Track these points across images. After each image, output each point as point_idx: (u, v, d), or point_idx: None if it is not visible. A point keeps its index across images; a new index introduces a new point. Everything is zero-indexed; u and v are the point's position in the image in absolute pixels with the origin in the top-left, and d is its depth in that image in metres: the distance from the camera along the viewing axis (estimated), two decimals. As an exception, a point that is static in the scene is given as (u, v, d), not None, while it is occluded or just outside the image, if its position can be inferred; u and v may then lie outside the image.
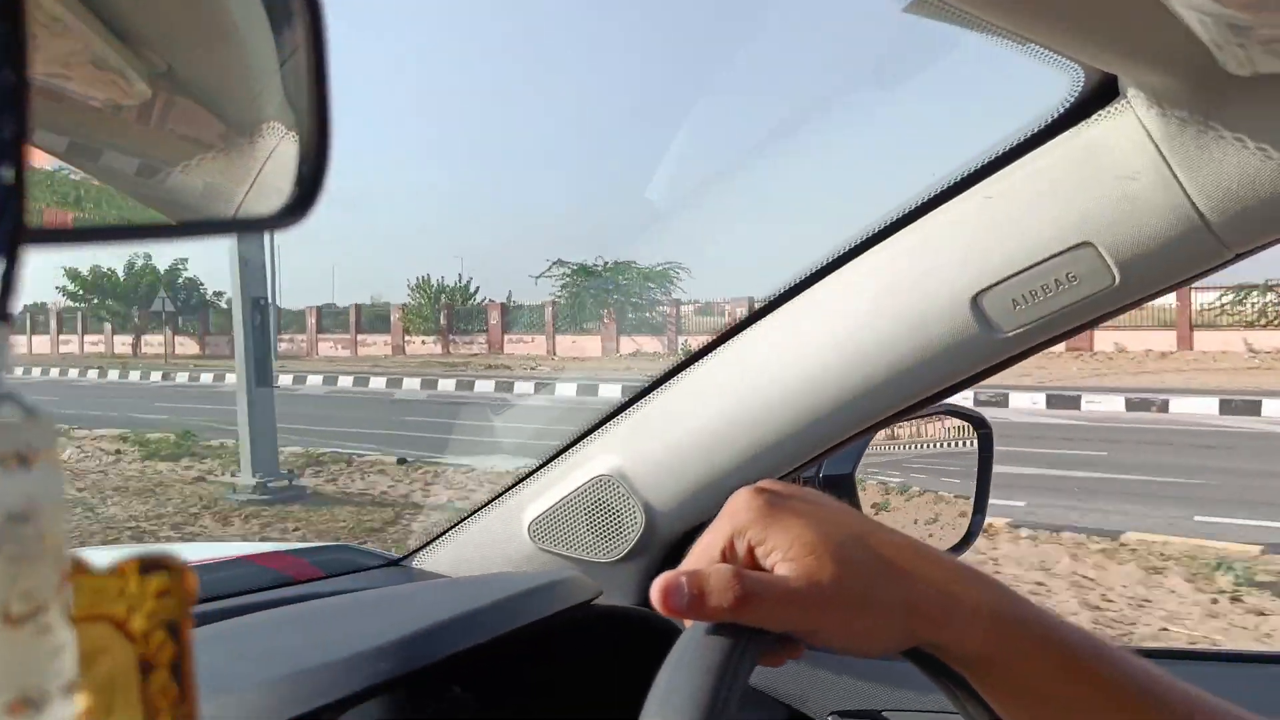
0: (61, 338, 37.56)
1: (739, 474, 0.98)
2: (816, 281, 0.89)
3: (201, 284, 34.69)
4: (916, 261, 0.83)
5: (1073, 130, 0.76)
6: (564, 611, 0.87)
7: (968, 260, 0.81)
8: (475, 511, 1.21)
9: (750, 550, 0.59)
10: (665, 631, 0.96)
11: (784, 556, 0.57)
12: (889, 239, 0.85)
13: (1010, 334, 0.81)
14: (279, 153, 0.39)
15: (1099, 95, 0.74)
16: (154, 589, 0.26)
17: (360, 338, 32.55)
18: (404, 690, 0.97)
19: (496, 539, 1.17)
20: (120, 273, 35.14)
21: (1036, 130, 0.78)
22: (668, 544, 1.07)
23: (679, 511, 1.02)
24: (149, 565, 0.26)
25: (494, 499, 1.19)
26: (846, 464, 1.20)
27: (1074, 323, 0.81)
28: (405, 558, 1.31)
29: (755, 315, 0.95)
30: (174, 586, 0.26)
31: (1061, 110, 0.76)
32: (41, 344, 36.87)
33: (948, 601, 0.56)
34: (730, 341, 0.96)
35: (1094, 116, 0.75)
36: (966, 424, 1.36)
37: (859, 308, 0.86)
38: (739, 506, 0.60)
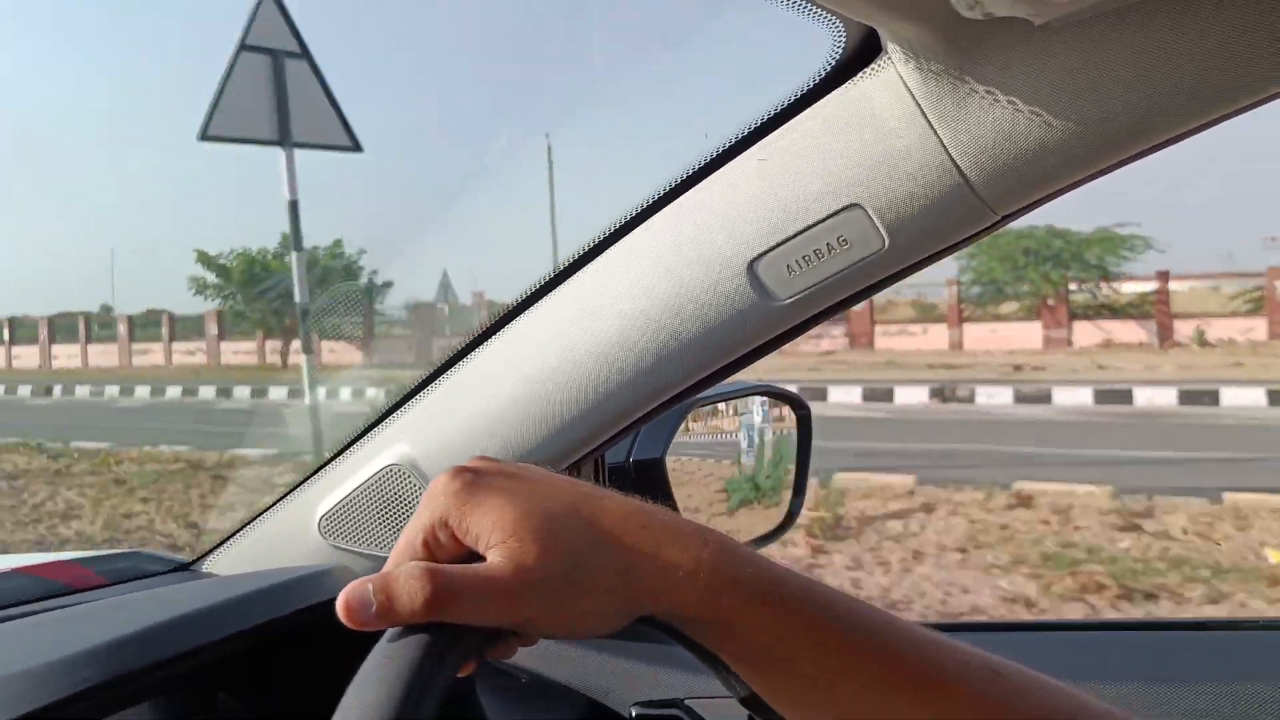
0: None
1: (531, 459, 0.93)
2: (597, 255, 0.85)
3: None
4: (693, 229, 0.80)
5: (840, 89, 0.74)
6: (326, 606, 0.81)
7: (743, 226, 0.78)
8: (266, 510, 1.13)
9: (454, 539, 0.54)
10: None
11: (488, 542, 0.52)
12: (666, 207, 0.81)
13: (788, 301, 0.78)
14: None
15: (862, 52, 0.72)
16: None
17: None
18: (166, 698, 0.89)
19: (287, 537, 1.09)
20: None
21: (805, 90, 0.75)
22: None
23: None
24: None
25: (284, 496, 1.11)
26: (657, 448, 1.17)
27: (850, 289, 0.79)
28: (195, 561, 1.23)
29: (538, 293, 0.91)
30: None
31: (827, 69, 0.74)
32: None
33: (665, 565, 0.52)
34: (514, 321, 0.92)
35: (858, 75, 0.73)
36: (786, 405, 1.35)
37: (639, 279, 0.82)
38: (437, 491, 0.55)
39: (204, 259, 28.10)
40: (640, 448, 1.15)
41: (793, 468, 1.32)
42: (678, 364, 0.83)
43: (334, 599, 0.83)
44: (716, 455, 1.32)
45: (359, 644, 0.94)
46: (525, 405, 0.91)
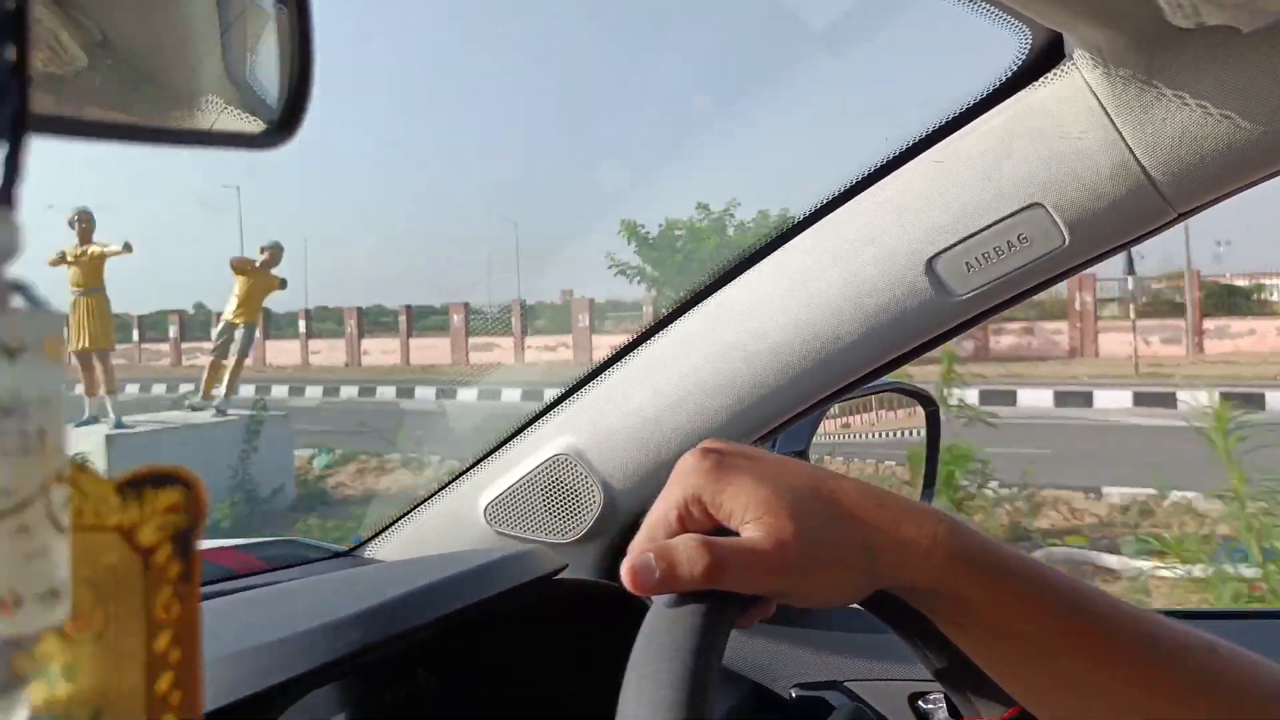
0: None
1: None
2: (770, 253, 0.90)
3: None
4: (869, 228, 0.84)
5: (1021, 93, 0.77)
6: (530, 587, 0.86)
7: (921, 225, 0.81)
8: (427, 499, 1.19)
9: (706, 513, 0.58)
10: (635, 604, 0.95)
11: (743, 518, 0.57)
12: (841, 207, 0.85)
13: (965, 297, 0.82)
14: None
15: (1046, 56, 0.76)
16: (164, 503, 0.25)
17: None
18: (365, 675, 0.95)
19: (450, 524, 1.15)
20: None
21: (986, 94, 0.79)
22: (628, 521, 1.06)
23: (639, 488, 1.02)
24: (160, 479, 0.25)
25: (446, 485, 1.17)
26: (800, 441, 1.21)
27: (1028, 284, 0.82)
28: (355, 549, 1.29)
29: (709, 289, 0.95)
30: (185, 501, 0.25)
31: (1010, 73, 0.77)
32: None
33: (903, 541, 0.56)
34: (685, 316, 0.96)
35: (1042, 79, 0.76)
36: (915, 403, 1.38)
37: (815, 275, 0.87)
38: (687, 470, 0.59)
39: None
40: (782, 444, 1.19)
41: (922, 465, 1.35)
42: (850, 358, 0.87)
43: (535, 583, 0.89)
44: (847, 454, 1.36)
45: (554, 627, 0.99)
46: (693, 403, 0.95)
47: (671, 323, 0.98)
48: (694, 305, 0.96)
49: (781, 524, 0.55)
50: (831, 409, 1.32)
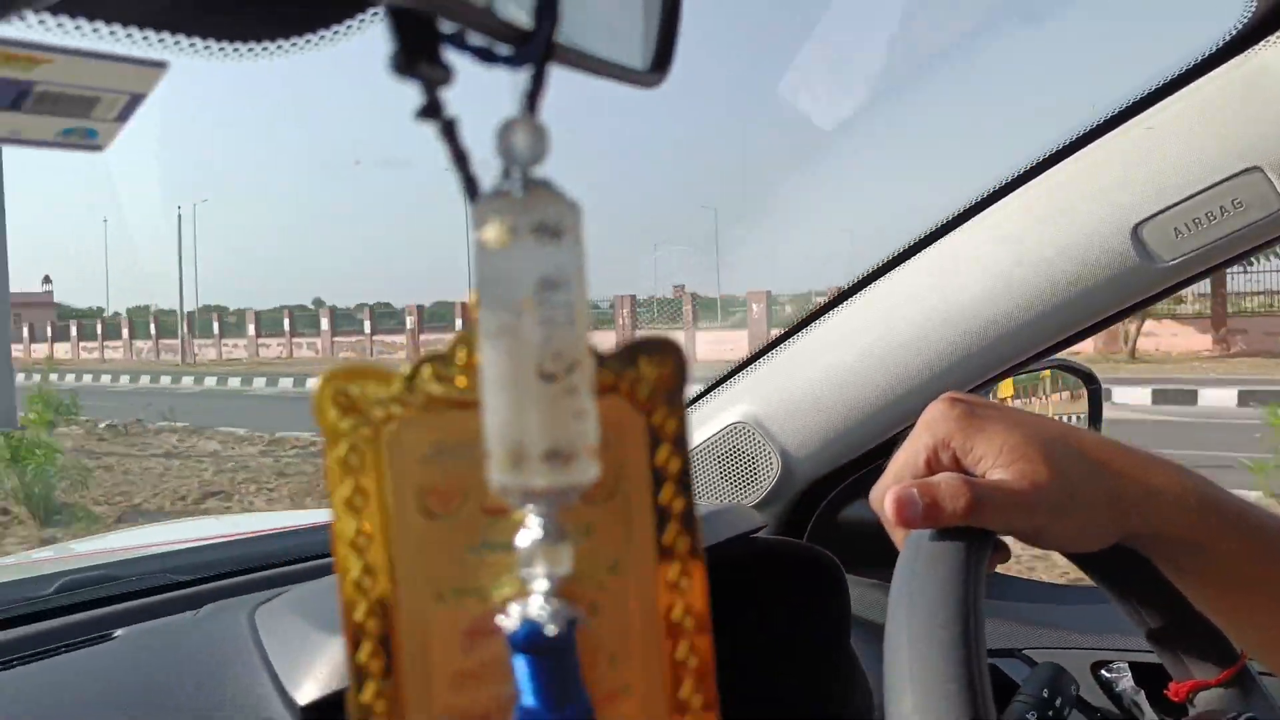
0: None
1: (879, 417, 0.99)
2: (969, 219, 0.91)
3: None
4: (1075, 193, 0.84)
5: (1240, 56, 0.77)
6: (734, 541, 0.89)
7: (1127, 190, 0.82)
8: None
9: (954, 459, 0.60)
10: (819, 564, 0.97)
11: (995, 462, 0.58)
12: (1046, 173, 0.86)
13: (1171, 263, 0.82)
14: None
15: (1269, 19, 0.75)
16: (655, 365, 0.28)
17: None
18: None
19: None
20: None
21: (1202, 58, 0.79)
22: (803, 488, 1.08)
23: (816, 455, 1.04)
24: (648, 345, 0.28)
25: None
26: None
27: (1237, 250, 0.81)
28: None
29: (896, 260, 0.97)
30: (674, 364, 0.28)
31: (1229, 36, 0.77)
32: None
33: (1153, 490, 0.58)
34: (870, 286, 0.98)
35: (1263, 41, 0.76)
36: (1078, 381, 1.37)
37: (1015, 242, 0.87)
38: (937, 417, 0.61)
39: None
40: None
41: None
42: (1047, 323, 0.88)
43: (737, 537, 0.91)
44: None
45: (744, 583, 1.02)
46: (878, 371, 0.97)
47: (855, 294, 1.00)
48: (880, 275, 0.97)
49: (1036, 468, 0.57)
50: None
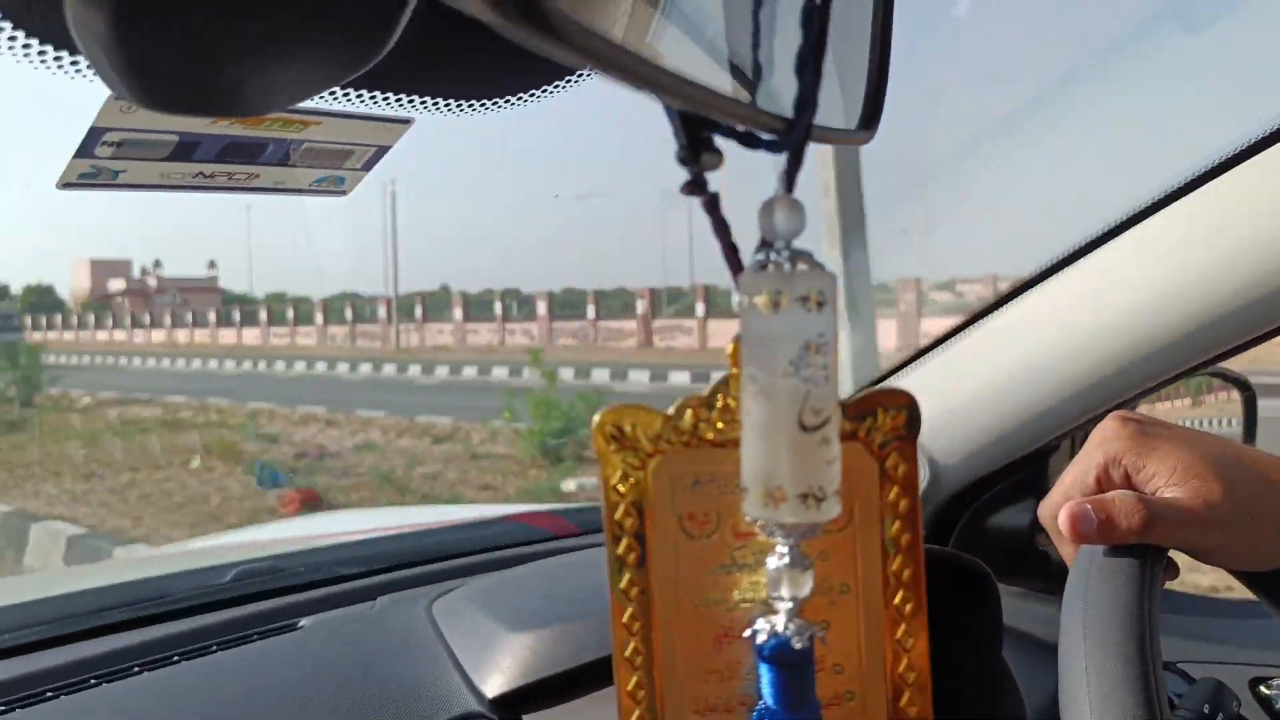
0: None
1: (1031, 426, 1.00)
2: (1137, 223, 0.90)
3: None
4: (1247, 202, 0.83)
5: None
6: None
7: None
8: None
9: (1125, 477, 0.62)
10: (971, 572, 0.99)
11: (1168, 481, 0.60)
12: (1221, 177, 0.84)
13: None
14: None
15: None
16: (891, 418, 0.32)
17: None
18: None
19: None
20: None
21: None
22: (950, 496, 1.09)
23: (964, 464, 1.05)
24: (884, 397, 0.32)
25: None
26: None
27: None
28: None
29: (1049, 270, 0.97)
30: (907, 416, 0.32)
31: None
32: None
33: None
34: (1022, 296, 0.98)
35: None
36: (1230, 388, 1.34)
37: (1186, 249, 0.86)
38: (1108, 435, 0.63)
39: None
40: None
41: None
42: (1215, 334, 0.87)
43: None
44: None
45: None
46: (1033, 373, 0.97)
47: (1006, 304, 1.00)
48: (1032, 286, 0.98)
49: (1209, 486, 0.58)
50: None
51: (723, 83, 0.31)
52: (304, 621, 0.96)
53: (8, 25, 0.34)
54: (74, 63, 0.36)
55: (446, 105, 0.46)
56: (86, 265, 53.68)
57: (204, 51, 0.31)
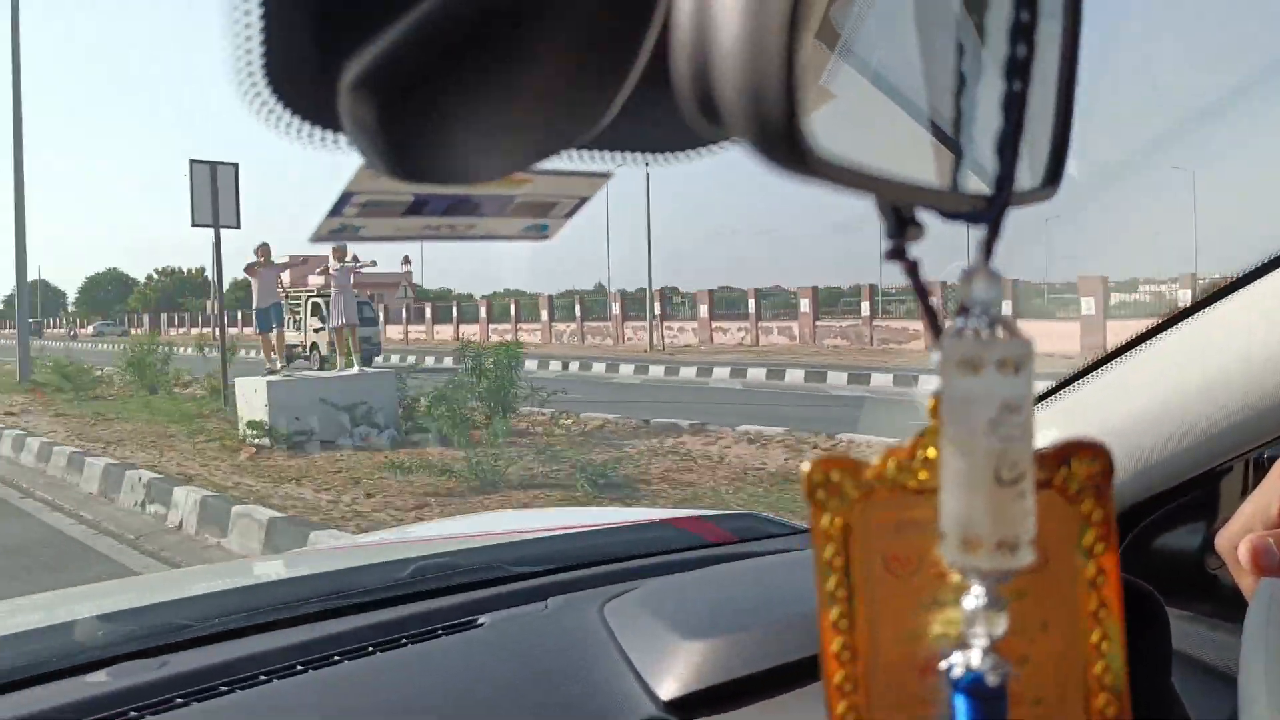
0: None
1: (1204, 448, 0.97)
2: None
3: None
4: None
5: None
6: None
7: None
8: None
9: None
10: (1139, 596, 0.97)
11: None
12: None
13: None
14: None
15: None
16: (1086, 466, 0.34)
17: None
18: None
19: None
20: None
21: None
22: (1117, 515, 1.07)
23: (1132, 483, 1.03)
24: (1079, 448, 0.34)
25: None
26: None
27: None
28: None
29: (1244, 278, 0.93)
30: (1101, 464, 0.34)
31: None
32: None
33: None
34: (1209, 306, 0.95)
35: None
36: None
37: None
38: None
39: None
40: None
41: None
42: None
43: None
44: None
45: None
46: (1212, 392, 0.94)
47: (1178, 323, 0.98)
48: (1226, 292, 0.94)
49: None
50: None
51: (926, 169, 0.33)
52: (483, 619, 1.03)
53: (280, 107, 0.40)
54: (335, 141, 0.42)
55: (645, 158, 0.50)
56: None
57: (451, 137, 0.36)
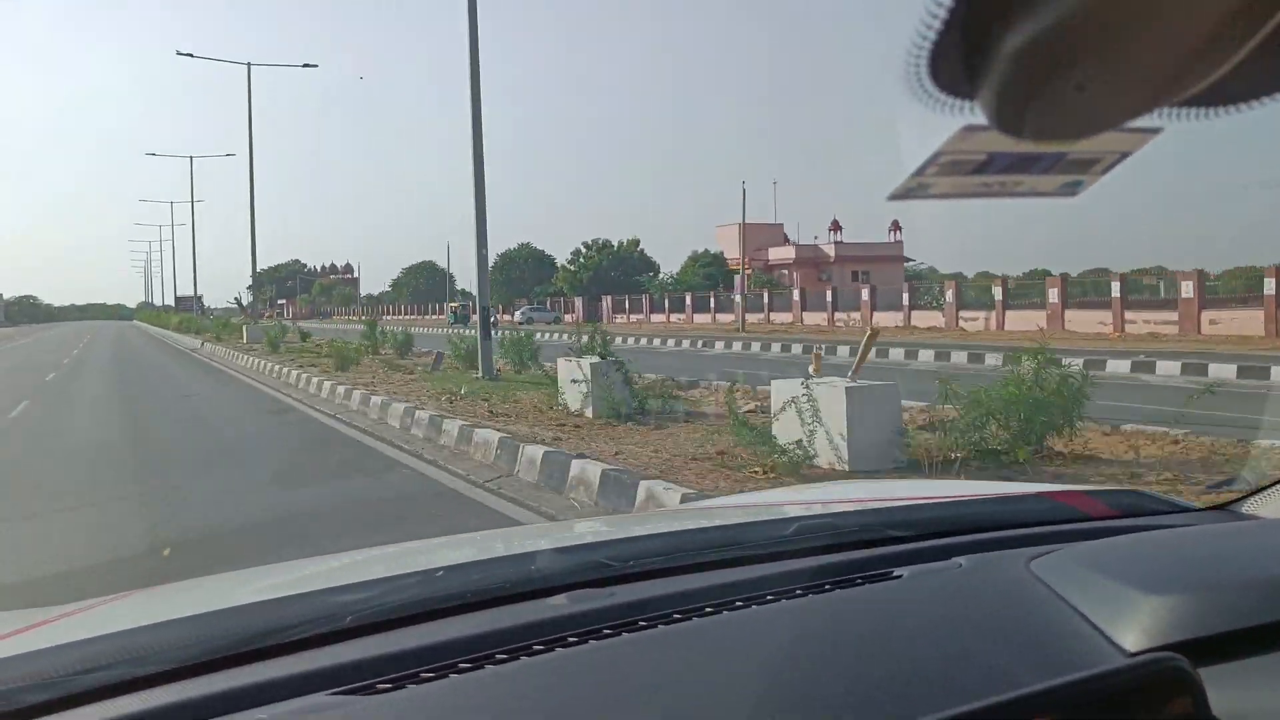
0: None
1: None
2: None
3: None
4: None
5: None
6: None
7: None
8: None
9: None
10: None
11: None
12: None
13: None
14: None
15: None
16: None
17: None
18: None
19: None
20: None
21: None
22: None
23: None
24: None
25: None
26: None
27: None
28: (1232, 503, 1.33)
29: None
30: None
31: None
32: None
33: None
34: None
35: None
36: None
37: None
38: None
39: None
40: None
41: None
42: None
43: None
44: None
45: None
46: None
47: None
48: None
49: None
50: None
51: None
52: (899, 571, 1.07)
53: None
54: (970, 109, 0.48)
55: (1186, 114, 0.52)
56: (732, 231, 45.26)
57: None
